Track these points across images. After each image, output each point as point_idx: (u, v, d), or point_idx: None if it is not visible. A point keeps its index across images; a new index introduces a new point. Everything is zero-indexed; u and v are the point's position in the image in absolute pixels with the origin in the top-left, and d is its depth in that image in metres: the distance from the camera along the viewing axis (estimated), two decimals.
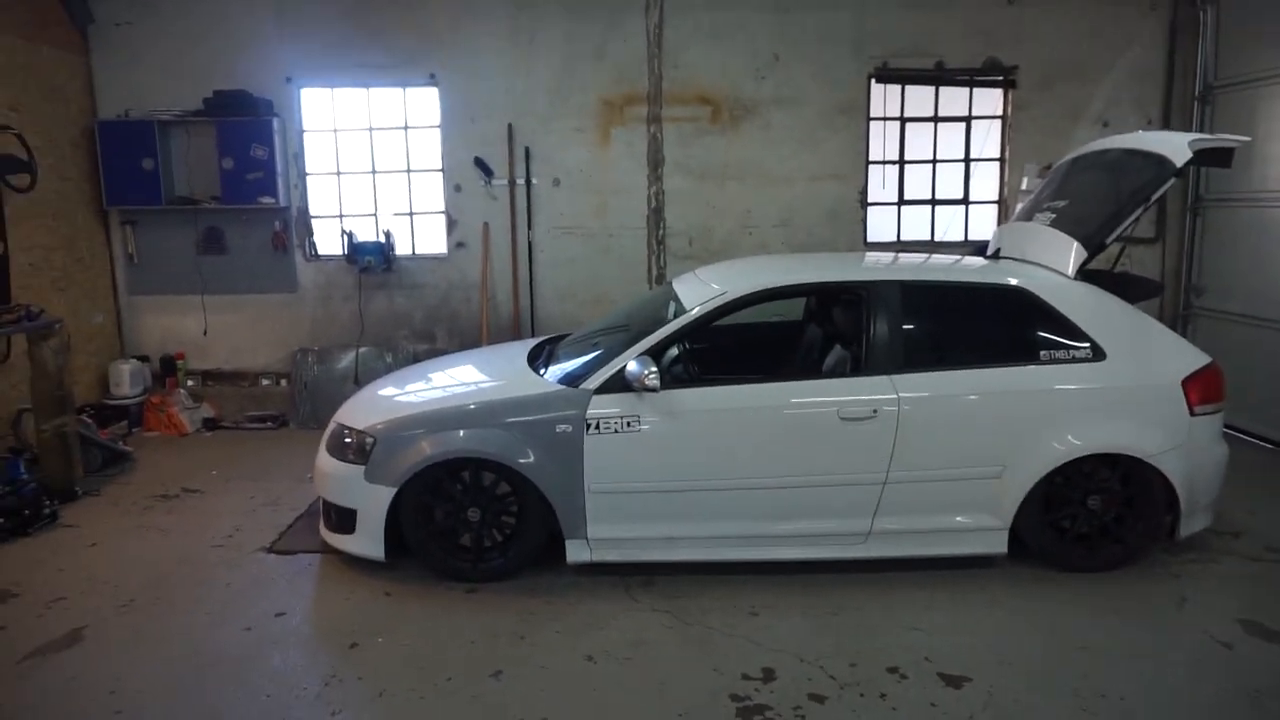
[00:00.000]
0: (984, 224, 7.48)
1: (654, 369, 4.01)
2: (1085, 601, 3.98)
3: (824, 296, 5.13)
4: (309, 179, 7.41)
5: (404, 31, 7.11)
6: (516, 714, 3.22)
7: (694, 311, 4.26)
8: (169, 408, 7.04)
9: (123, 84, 7.10)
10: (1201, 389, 4.18)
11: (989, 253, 5.22)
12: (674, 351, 4.42)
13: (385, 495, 4.17)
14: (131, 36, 7.08)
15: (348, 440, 4.36)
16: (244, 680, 3.46)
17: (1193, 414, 4.15)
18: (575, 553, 4.21)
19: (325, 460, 4.47)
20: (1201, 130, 6.87)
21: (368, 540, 4.27)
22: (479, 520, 4.23)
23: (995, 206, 7.47)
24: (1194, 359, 4.25)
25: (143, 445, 6.69)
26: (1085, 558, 4.26)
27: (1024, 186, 7.14)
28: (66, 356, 5.64)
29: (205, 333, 7.49)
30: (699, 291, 4.48)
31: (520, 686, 3.39)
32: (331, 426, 4.59)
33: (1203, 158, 4.23)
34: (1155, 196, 4.29)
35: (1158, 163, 4.28)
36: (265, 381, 7.59)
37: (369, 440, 4.26)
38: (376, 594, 4.18)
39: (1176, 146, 4.23)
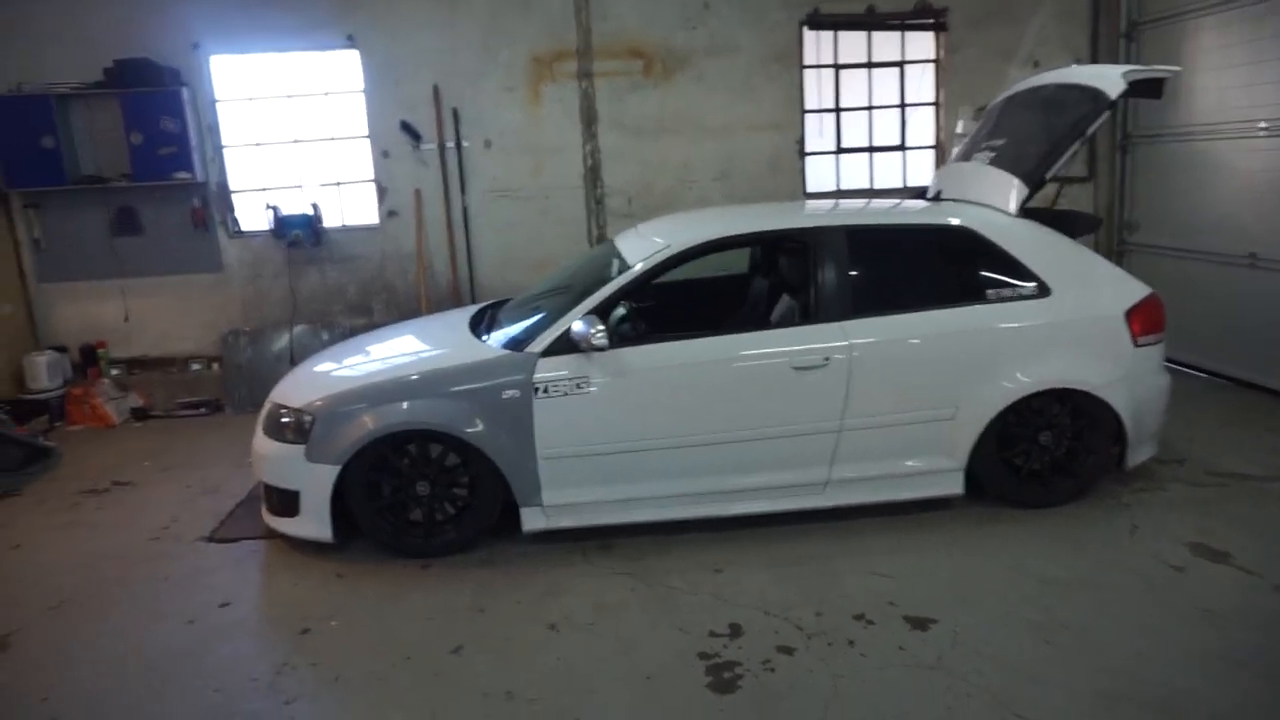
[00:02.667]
0: (922, 170, 7.49)
1: (600, 327, 3.89)
2: (1042, 536, 4.02)
3: (769, 247, 5.06)
4: (226, 152, 7.03)
5: None
6: (480, 688, 3.12)
7: (637, 267, 4.15)
8: (92, 399, 6.69)
9: (12, 56, 6.60)
10: (1143, 320, 4.23)
11: (929, 195, 5.19)
12: (620, 311, 4.31)
13: (329, 474, 4.00)
14: (19, 4, 6.57)
15: (285, 420, 4.17)
16: (190, 676, 3.29)
17: (1136, 345, 4.20)
18: (530, 520, 4.11)
19: (263, 442, 4.27)
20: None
21: (313, 522, 4.11)
22: (429, 494, 4.09)
23: (932, 151, 7.47)
24: (1135, 290, 4.30)
25: (67, 440, 6.34)
26: (1039, 493, 4.31)
27: (959, 130, 7.15)
28: None
29: (126, 319, 7.11)
30: (642, 247, 4.36)
31: (482, 660, 3.30)
32: (267, 406, 4.38)
33: (1135, 89, 4.23)
34: (1091, 130, 4.30)
35: (1092, 96, 4.27)
36: (196, 366, 7.25)
37: (307, 418, 4.07)
38: (327, 576, 4.02)
39: (1110, 79, 4.23)
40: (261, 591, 3.99)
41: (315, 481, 4.04)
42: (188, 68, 6.75)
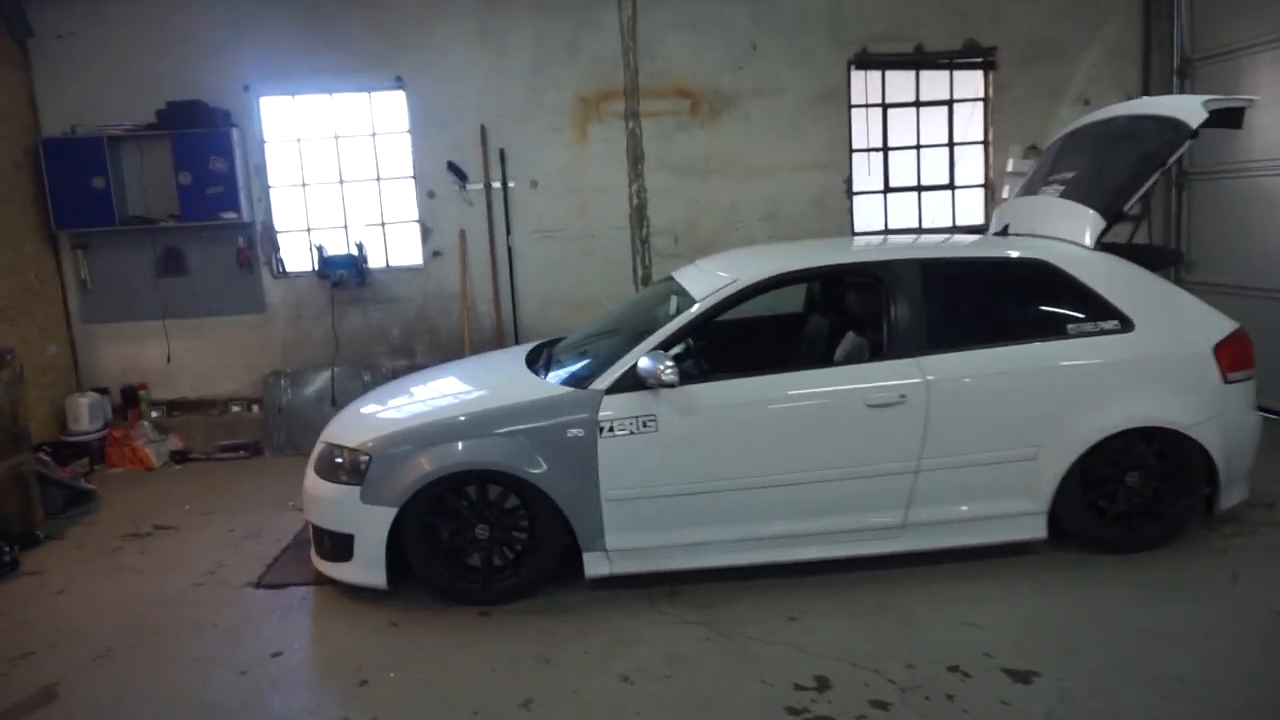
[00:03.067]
0: (970, 209, 7.37)
1: (670, 363, 3.76)
2: (1134, 583, 3.80)
3: (831, 283, 4.94)
4: (273, 192, 7.04)
5: (367, 34, 6.79)
6: None
7: (705, 301, 4.03)
8: (132, 441, 6.60)
9: (68, 99, 6.69)
10: (1233, 355, 4.05)
11: (995, 230, 5.06)
12: (679, 349, 4.17)
13: (385, 516, 3.85)
14: (75, 48, 6.67)
15: (339, 460, 4.04)
16: None
17: (1226, 381, 4.02)
18: (594, 566, 3.93)
19: (315, 483, 4.13)
20: None
21: (367, 567, 3.94)
22: (488, 537, 3.93)
23: (981, 190, 7.35)
24: (1223, 325, 4.12)
25: (107, 483, 6.24)
26: (1125, 538, 4.08)
27: (1009, 169, 7.04)
28: (20, 390, 5.22)
29: (168, 360, 7.06)
30: (706, 282, 4.24)
31: (554, 714, 3.10)
32: (319, 447, 4.25)
33: (1215, 119, 4.12)
34: (1172, 160, 4.17)
35: (1172, 126, 4.15)
36: (236, 408, 7.17)
37: (363, 459, 3.93)
38: (382, 625, 3.85)
39: (1190, 108, 4.12)
40: (314, 640, 3.82)
41: (371, 524, 3.89)
42: (238, 109, 6.79)
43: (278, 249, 7.07)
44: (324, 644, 3.77)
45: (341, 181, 7.08)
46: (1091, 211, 4.26)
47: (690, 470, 3.86)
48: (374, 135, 7.05)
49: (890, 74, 7.14)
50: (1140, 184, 4.19)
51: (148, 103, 6.57)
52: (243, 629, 3.91)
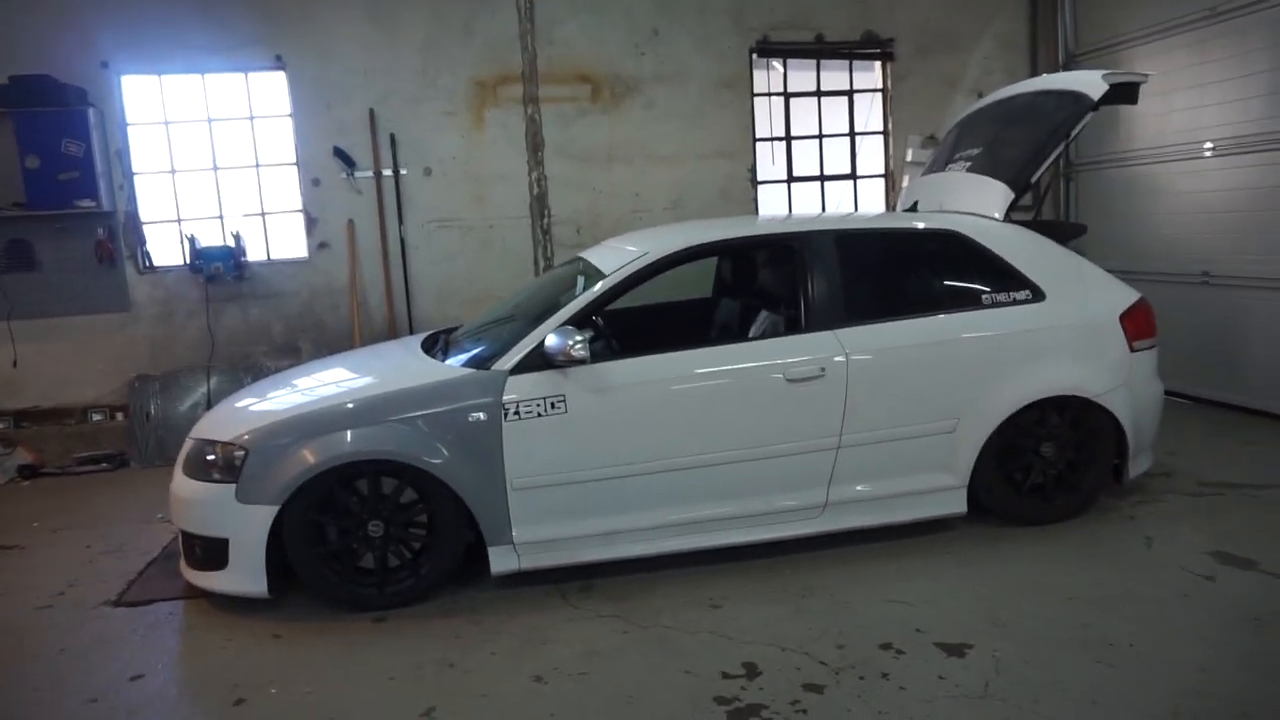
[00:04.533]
0: (872, 198, 7.41)
1: (580, 338, 3.51)
2: (1054, 553, 3.76)
3: (742, 263, 4.79)
4: (138, 179, 6.43)
5: (243, 9, 6.30)
6: None
7: (616, 275, 3.80)
8: None
9: None
10: (1138, 324, 4.09)
11: (903, 207, 5.03)
12: (589, 332, 3.92)
13: (264, 516, 3.45)
14: None
15: (210, 457, 3.60)
16: None
17: (1132, 350, 4.05)
18: (500, 561, 3.62)
19: (183, 484, 3.68)
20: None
21: (245, 574, 3.52)
22: (382, 535, 3.57)
23: (882, 180, 7.41)
24: (1127, 295, 4.16)
25: None
26: (1041, 509, 4.06)
27: (909, 158, 7.12)
28: None
29: (15, 364, 6.34)
30: (615, 257, 4.01)
31: None
32: (188, 445, 3.80)
33: (1113, 94, 4.16)
34: (1076, 132, 4.21)
35: (1074, 99, 4.19)
36: (97, 417, 6.49)
37: (239, 453, 3.52)
38: (262, 638, 3.43)
39: (1090, 82, 4.17)
40: (181, 659, 3.37)
41: (248, 526, 3.47)
42: (95, 88, 6.17)
43: (143, 241, 6.45)
44: (193, 663, 3.33)
45: (216, 168, 6.55)
46: (1000, 184, 4.25)
47: (602, 454, 3.61)
48: (252, 119, 6.55)
49: (792, 65, 7.12)
50: (1045, 156, 4.21)
51: None
52: (96, 653, 3.42)
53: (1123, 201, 6.78)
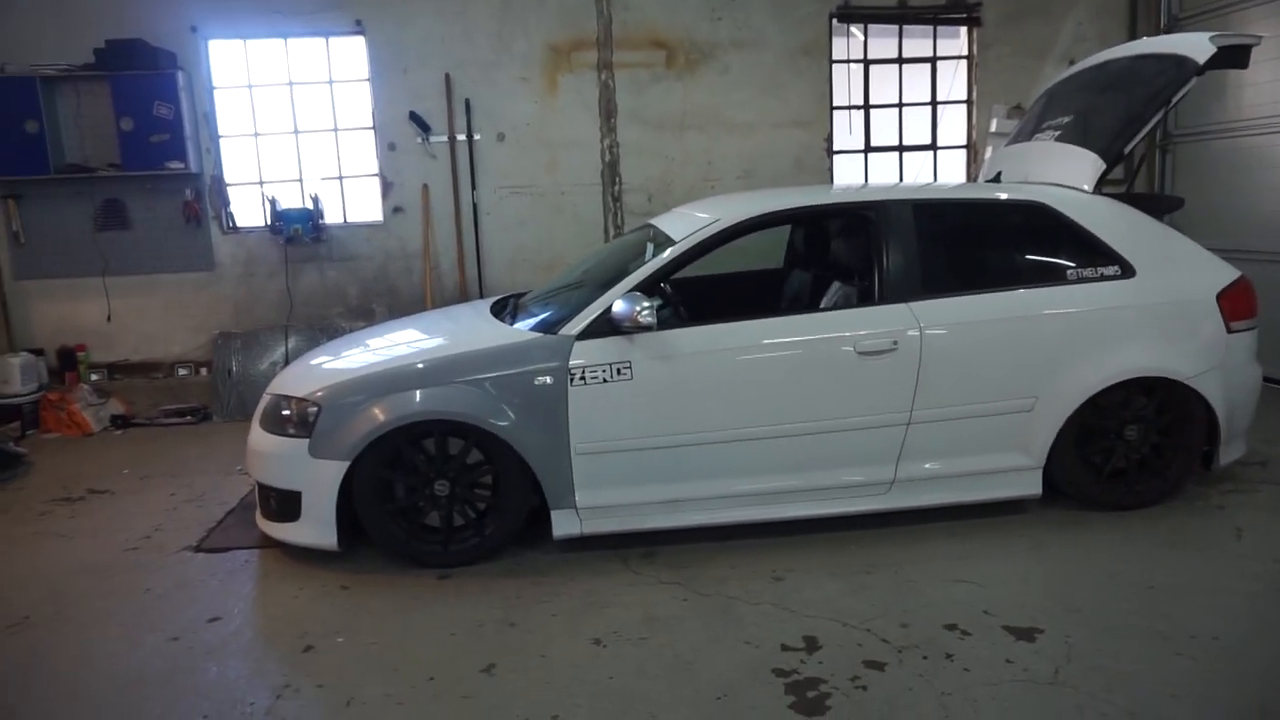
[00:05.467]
0: (953, 170, 7.16)
1: (647, 304, 3.47)
2: (1135, 540, 3.60)
3: (815, 232, 4.68)
4: (223, 141, 6.62)
5: None
6: (521, 713, 2.64)
7: (685, 241, 3.75)
8: (69, 405, 6.18)
9: None
10: (1236, 304, 3.86)
11: (986, 177, 4.83)
12: (658, 300, 3.88)
13: (335, 471, 3.53)
14: None
15: (285, 412, 3.71)
16: (172, 700, 2.80)
17: (1229, 331, 3.83)
18: (563, 525, 3.65)
19: (260, 438, 3.80)
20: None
21: (316, 526, 3.63)
22: (448, 494, 3.62)
23: (964, 151, 7.14)
24: (1226, 273, 3.93)
25: (40, 448, 5.82)
26: (1123, 494, 3.89)
27: (993, 129, 6.83)
28: None
29: (109, 320, 6.64)
30: (685, 224, 3.96)
31: (519, 681, 2.82)
32: (265, 400, 3.92)
33: (1220, 58, 3.90)
34: (1177, 98, 3.95)
35: (1176, 63, 3.94)
36: (183, 371, 6.77)
37: (312, 409, 3.61)
38: (331, 588, 3.54)
39: (1196, 44, 3.90)
40: (256, 605, 3.50)
41: (319, 480, 3.57)
42: (184, 52, 6.36)
43: (228, 202, 6.65)
44: (267, 609, 3.45)
45: (296, 132, 6.69)
46: (1091, 154, 4.04)
47: (667, 422, 3.59)
48: (331, 83, 6.66)
49: (873, 30, 6.89)
50: (1142, 124, 3.97)
51: (85, 41, 6.12)
52: (178, 594, 3.57)
53: (1226, 175, 6.39)
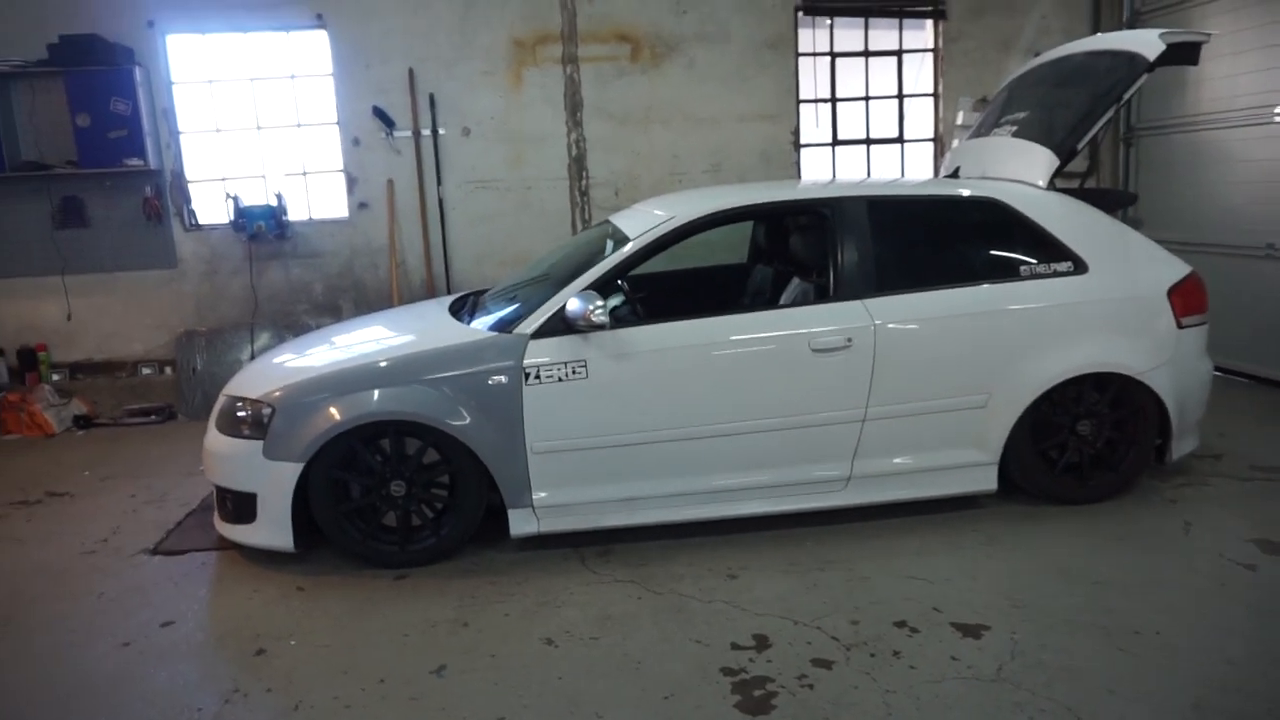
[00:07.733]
0: (920, 163, 7.19)
1: (600, 303, 3.47)
2: (1086, 535, 3.64)
3: (774, 229, 4.69)
4: (183, 138, 6.54)
5: None
6: (467, 713, 2.65)
7: (640, 239, 3.74)
8: (30, 406, 6.10)
9: None
10: (1187, 299, 3.91)
11: (945, 173, 4.86)
12: (617, 299, 3.88)
13: (290, 473, 3.51)
14: None
15: (241, 414, 3.68)
16: (118, 707, 2.78)
17: (1180, 326, 3.87)
18: (519, 524, 3.64)
19: (216, 440, 3.77)
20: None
21: (272, 528, 3.61)
22: (404, 494, 3.61)
23: (931, 144, 7.17)
24: (1177, 268, 3.97)
25: None
26: (1076, 489, 3.93)
27: (959, 121, 6.84)
28: None
29: (69, 319, 6.56)
30: (642, 221, 3.96)
31: (469, 681, 2.82)
32: (221, 401, 3.88)
33: (1171, 54, 3.93)
34: (1128, 94, 3.98)
35: (1128, 60, 3.96)
36: (146, 370, 6.70)
37: (266, 410, 3.58)
38: (286, 590, 3.52)
39: (1147, 41, 3.92)
40: (210, 608, 3.47)
41: (275, 481, 3.55)
42: (141, 47, 6.27)
43: (189, 199, 6.58)
44: (221, 612, 3.43)
45: (259, 127, 6.61)
46: (1045, 149, 4.07)
47: (623, 420, 3.59)
48: (293, 78, 6.59)
49: (839, 23, 6.89)
50: (1095, 120, 4.00)
51: (38, 37, 6.00)
52: (132, 598, 3.55)
53: (1186, 168, 6.45)
